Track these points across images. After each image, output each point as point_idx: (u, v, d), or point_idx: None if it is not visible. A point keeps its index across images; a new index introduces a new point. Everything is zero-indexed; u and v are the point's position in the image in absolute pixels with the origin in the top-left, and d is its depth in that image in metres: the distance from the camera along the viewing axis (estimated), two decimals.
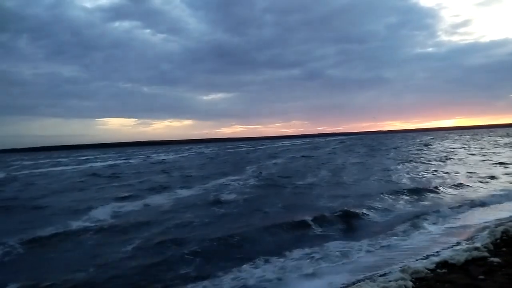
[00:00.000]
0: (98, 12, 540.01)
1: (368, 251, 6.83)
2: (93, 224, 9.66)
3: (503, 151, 30.54)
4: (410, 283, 4.81)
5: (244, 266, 6.22)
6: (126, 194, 14.92)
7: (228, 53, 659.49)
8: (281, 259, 6.48)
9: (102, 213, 10.95)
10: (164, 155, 57.29)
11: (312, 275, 5.80)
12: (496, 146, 38.07)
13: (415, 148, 41.87)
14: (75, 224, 9.63)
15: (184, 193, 14.83)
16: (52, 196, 15.97)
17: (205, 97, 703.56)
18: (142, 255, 7.09)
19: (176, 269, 6.29)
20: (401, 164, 22.95)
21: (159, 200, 13.26)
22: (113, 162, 44.09)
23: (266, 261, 6.40)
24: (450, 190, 12.89)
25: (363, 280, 5.36)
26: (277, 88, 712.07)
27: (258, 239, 7.86)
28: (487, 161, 21.93)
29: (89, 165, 41.20)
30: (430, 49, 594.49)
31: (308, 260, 6.40)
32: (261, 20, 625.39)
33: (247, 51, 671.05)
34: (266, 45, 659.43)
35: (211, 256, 6.85)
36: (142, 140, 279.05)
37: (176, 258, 6.80)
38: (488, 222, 8.27)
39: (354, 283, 5.29)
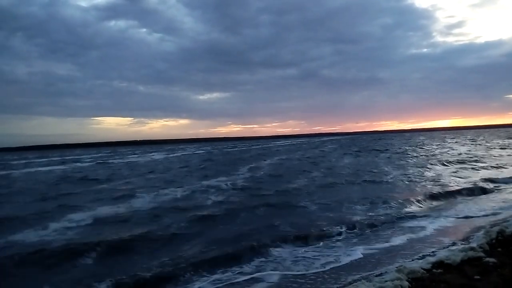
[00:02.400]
0: (93, 11, 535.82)
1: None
2: None
3: None
4: (406, 283, 4.79)
5: None
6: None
7: (224, 52, 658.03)
8: None
9: None
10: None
11: None
12: None
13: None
14: None
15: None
16: None
17: (201, 97, 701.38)
18: None
19: None
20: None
21: None
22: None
23: None
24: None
25: (359, 280, 5.35)
26: (273, 87, 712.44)
27: None
28: None
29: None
30: (425, 50, 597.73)
31: None
32: (257, 20, 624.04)
33: (243, 51, 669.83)
34: (262, 45, 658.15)
35: None
36: (138, 140, 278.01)
37: None
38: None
39: (350, 283, 5.28)
